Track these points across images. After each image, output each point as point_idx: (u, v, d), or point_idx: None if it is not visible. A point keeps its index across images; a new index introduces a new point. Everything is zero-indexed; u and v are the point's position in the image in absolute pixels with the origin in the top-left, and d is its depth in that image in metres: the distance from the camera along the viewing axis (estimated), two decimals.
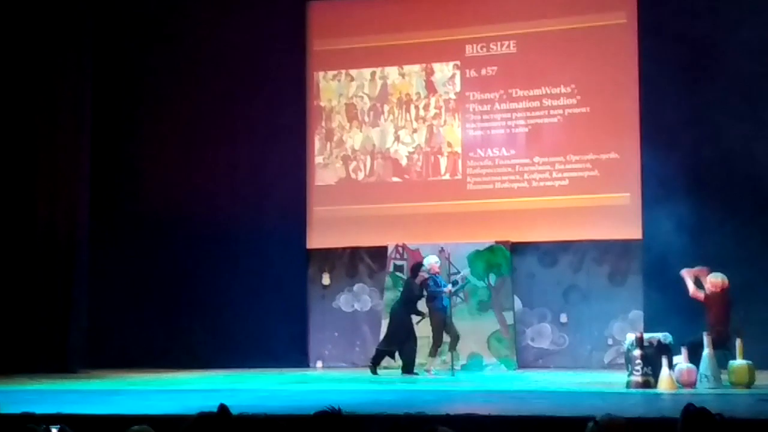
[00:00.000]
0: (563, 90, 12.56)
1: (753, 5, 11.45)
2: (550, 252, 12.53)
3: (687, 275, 10.04)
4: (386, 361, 11.64)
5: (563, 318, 12.36)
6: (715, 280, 10.00)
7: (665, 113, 11.80)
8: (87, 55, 13.11)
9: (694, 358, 9.27)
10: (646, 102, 12.02)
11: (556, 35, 12.59)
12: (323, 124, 13.47)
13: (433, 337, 11.21)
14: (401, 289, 11.90)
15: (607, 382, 9.94)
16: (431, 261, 11.42)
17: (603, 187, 12.30)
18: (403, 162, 13.16)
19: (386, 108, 13.30)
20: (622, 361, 10.26)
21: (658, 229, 11.59)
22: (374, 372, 11.39)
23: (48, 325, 12.63)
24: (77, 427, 4.73)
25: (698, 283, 10.03)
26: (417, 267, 11.55)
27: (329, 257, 13.29)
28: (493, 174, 12.77)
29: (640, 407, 7.68)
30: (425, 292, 11.33)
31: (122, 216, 13.42)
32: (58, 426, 4.55)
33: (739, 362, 9.12)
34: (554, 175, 12.51)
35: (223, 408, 4.22)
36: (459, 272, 12.40)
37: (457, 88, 13.04)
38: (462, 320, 12.09)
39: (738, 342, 9.20)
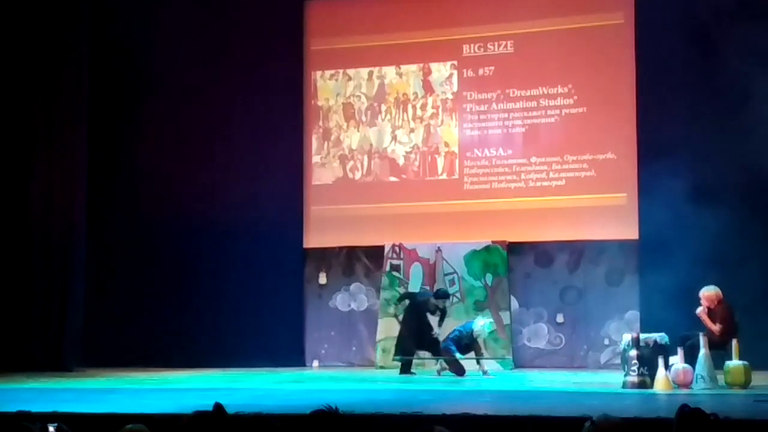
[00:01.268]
0: (560, 90, 12.56)
1: (751, 4, 11.45)
2: (547, 252, 12.53)
3: (703, 315, 9.95)
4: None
5: (560, 318, 12.36)
6: (709, 294, 9.93)
7: (662, 113, 11.82)
8: (84, 52, 13.09)
9: (691, 358, 9.27)
10: (643, 102, 12.02)
11: (554, 35, 12.58)
12: (320, 123, 13.47)
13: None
14: (415, 297, 11.91)
15: (604, 382, 9.95)
16: (481, 331, 11.30)
17: (600, 188, 12.31)
18: (400, 162, 13.16)
19: (383, 107, 13.29)
20: (619, 361, 10.29)
21: (654, 229, 11.59)
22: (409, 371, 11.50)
23: (44, 323, 12.62)
24: (73, 426, 4.72)
25: (710, 315, 9.96)
26: (441, 293, 11.75)
27: (326, 256, 13.29)
28: (490, 174, 12.77)
29: (636, 407, 7.68)
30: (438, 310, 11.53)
31: (118, 214, 13.41)
32: (56, 424, 4.55)
33: (735, 363, 9.12)
34: (551, 175, 12.52)
35: (218, 407, 4.21)
36: (454, 272, 12.41)
37: (455, 88, 13.04)
38: (458, 320, 12.11)
39: (734, 342, 9.20)
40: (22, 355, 12.42)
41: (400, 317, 11.98)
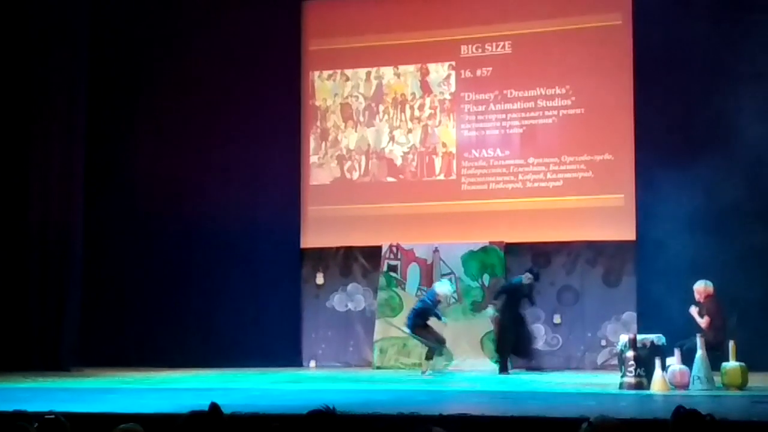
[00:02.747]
0: (558, 91, 12.56)
1: (748, 7, 11.46)
2: (544, 253, 12.53)
3: (694, 312, 10.05)
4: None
5: (557, 319, 12.35)
6: (698, 287, 10.04)
7: (660, 114, 11.82)
8: (82, 52, 13.09)
9: (687, 359, 9.28)
10: (641, 103, 12.03)
11: (552, 36, 12.58)
12: (318, 123, 13.46)
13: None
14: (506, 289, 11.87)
15: (601, 383, 9.96)
16: (445, 290, 11.62)
17: (597, 189, 12.31)
18: (398, 162, 13.15)
19: (381, 108, 13.29)
20: (615, 362, 10.29)
21: (651, 230, 11.61)
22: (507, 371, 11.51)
23: (41, 323, 12.62)
24: (69, 426, 4.73)
25: (700, 309, 10.05)
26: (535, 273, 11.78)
27: (323, 257, 13.28)
28: (488, 174, 12.77)
29: (633, 408, 7.69)
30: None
31: (116, 214, 13.40)
32: (53, 415, 4.56)
33: (731, 364, 9.13)
34: (548, 176, 12.52)
35: (214, 406, 4.21)
36: (451, 272, 12.41)
37: (452, 89, 13.03)
38: (455, 321, 12.14)
39: (731, 344, 9.22)
40: (20, 355, 12.41)
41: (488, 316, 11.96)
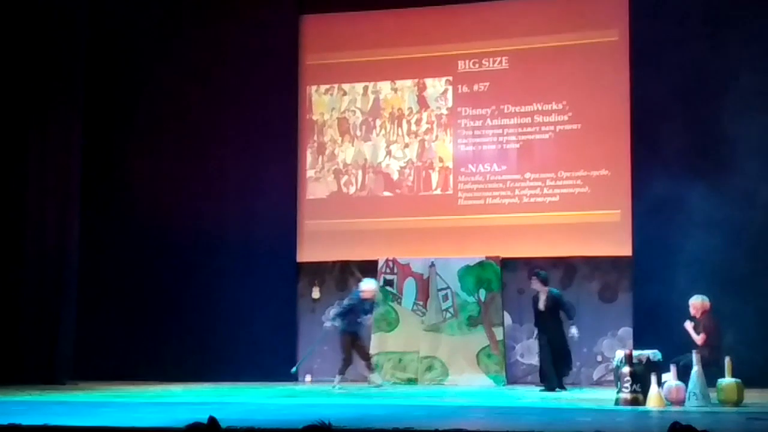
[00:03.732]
0: (555, 106, 12.60)
1: (744, 23, 11.51)
2: (541, 268, 12.51)
3: (689, 327, 10.08)
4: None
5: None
6: (695, 303, 10.07)
7: (656, 130, 11.85)
8: (79, 63, 13.10)
9: (683, 375, 9.28)
10: (637, 119, 12.07)
11: (549, 52, 12.64)
12: (315, 137, 13.48)
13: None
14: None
15: (596, 399, 9.94)
16: (371, 287, 11.78)
17: (594, 204, 12.33)
18: (395, 176, 13.17)
19: (378, 122, 13.32)
20: (611, 377, 10.28)
21: (648, 246, 11.63)
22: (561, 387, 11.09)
23: (36, 336, 12.58)
24: None
25: (695, 325, 10.09)
26: (537, 274, 11.37)
27: (319, 271, 13.28)
28: (484, 189, 12.79)
29: (628, 424, 7.68)
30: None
31: (111, 227, 13.39)
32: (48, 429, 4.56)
33: (728, 380, 9.11)
34: (545, 191, 12.54)
35: (212, 420, 4.21)
36: (448, 287, 12.41)
37: (449, 104, 13.07)
38: (452, 336, 12.15)
39: (727, 360, 9.21)
40: (14, 368, 12.37)
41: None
